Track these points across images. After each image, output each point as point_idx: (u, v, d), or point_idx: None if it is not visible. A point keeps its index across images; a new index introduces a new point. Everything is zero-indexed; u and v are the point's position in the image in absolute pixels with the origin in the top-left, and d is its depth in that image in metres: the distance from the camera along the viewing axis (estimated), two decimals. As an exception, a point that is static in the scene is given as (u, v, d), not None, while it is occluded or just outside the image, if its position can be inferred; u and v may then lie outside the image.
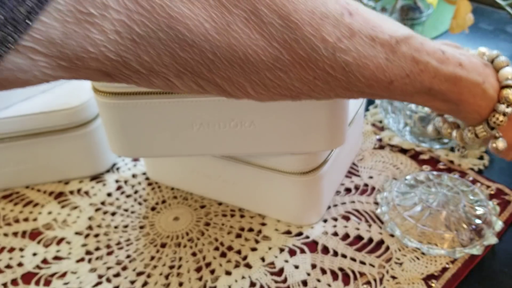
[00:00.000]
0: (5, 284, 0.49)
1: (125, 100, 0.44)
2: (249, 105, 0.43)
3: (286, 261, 0.49)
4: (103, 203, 0.58)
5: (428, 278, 0.47)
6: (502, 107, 0.38)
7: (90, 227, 0.55)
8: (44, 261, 0.52)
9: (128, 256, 0.51)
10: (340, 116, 0.44)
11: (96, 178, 0.61)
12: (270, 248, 0.51)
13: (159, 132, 0.46)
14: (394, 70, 0.33)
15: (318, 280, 0.47)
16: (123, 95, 0.43)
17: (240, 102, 0.43)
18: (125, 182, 0.61)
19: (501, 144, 0.40)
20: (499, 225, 0.50)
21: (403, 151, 0.61)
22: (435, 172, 0.55)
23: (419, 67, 0.35)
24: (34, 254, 0.52)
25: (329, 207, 0.54)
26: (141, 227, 0.55)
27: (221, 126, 0.45)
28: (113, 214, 0.56)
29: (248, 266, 0.49)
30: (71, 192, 0.60)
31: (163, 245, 0.52)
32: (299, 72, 0.32)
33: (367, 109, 0.68)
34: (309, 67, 0.31)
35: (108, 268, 0.50)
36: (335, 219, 0.53)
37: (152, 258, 0.51)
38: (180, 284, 0.48)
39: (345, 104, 0.44)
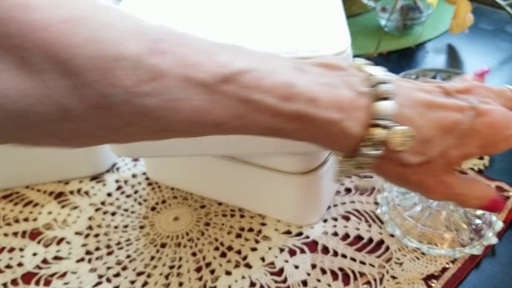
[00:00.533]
0: (5, 284, 0.49)
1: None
2: None
3: (286, 261, 0.49)
4: (103, 203, 0.58)
5: (428, 278, 0.47)
6: (366, 149, 0.33)
7: (90, 227, 0.55)
8: (44, 261, 0.52)
9: (128, 256, 0.51)
10: None
11: (96, 178, 0.61)
12: (270, 248, 0.51)
13: None
14: (219, 111, 0.29)
15: (318, 280, 0.47)
16: None
17: None
18: (125, 182, 0.61)
19: (362, 183, 0.36)
20: (499, 225, 0.50)
21: (403, 151, 0.61)
22: (435, 172, 0.55)
23: (250, 107, 0.30)
24: (34, 254, 0.52)
25: (329, 207, 0.54)
26: (141, 227, 0.55)
27: None
28: (113, 214, 0.56)
29: (248, 266, 0.49)
30: (71, 192, 0.60)
31: (163, 245, 0.52)
32: (99, 120, 0.28)
33: (367, 109, 0.68)
34: (107, 114, 0.27)
35: (108, 268, 0.50)
36: (335, 219, 0.53)
37: (152, 258, 0.51)
38: (180, 284, 0.48)
39: None
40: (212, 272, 0.49)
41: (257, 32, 0.43)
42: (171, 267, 0.50)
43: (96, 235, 0.54)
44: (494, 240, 0.49)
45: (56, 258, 0.52)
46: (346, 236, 0.51)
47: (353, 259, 0.49)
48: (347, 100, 0.33)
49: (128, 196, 0.59)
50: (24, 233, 0.55)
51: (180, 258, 0.51)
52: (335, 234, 0.52)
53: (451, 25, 0.78)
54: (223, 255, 0.51)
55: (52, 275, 0.50)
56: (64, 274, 0.50)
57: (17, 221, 0.57)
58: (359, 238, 0.51)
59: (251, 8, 0.47)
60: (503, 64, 0.76)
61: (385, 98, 0.33)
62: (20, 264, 0.52)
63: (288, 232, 0.52)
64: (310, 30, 0.43)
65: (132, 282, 0.49)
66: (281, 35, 0.43)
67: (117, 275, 0.50)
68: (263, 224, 0.53)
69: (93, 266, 0.51)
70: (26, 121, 0.27)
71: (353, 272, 0.48)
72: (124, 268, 0.50)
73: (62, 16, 0.26)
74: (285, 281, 0.48)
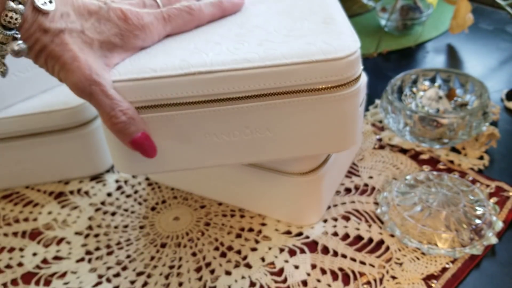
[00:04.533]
0: (5, 284, 0.50)
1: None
2: (263, 112, 0.42)
3: (286, 261, 0.49)
4: (103, 203, 0.58)
5: (428, 278, 0.47)
6: (11, 4, 0.36)
7: (90, 227, 0.55)
8: (44, 261, 0.52)
9: (128, 256, 0.51)
10: (352, 117, 0.44)
11: (96, 178, 0.61)
12: (270, 248, 0.51)
13: (169, 146, 0.43)
14: None
15: (318, 280, 0.47)
16: None
17: (254, 110, 0.42)
18: (125, 182, 0.61)
19: (18, 47, 0.38)
20: (499, 225, 0.50)
21: (403, 151, 0.61)
22: (435, 172, 0.55)
23: None
24: (34, 254, 0.52)
25: (329, 207, 0.54)
26: (141, 227, 0.55)
27: (235, 134, 0.43)
28: (113, 214, 0.57)
29: (248, 266, 0.49)
30: (71, 192, 0.60)
31: (163, 245, 0.52)
32: None
33: (367, 109, 0.68)
34: None
35: (108, 268, 0.50)
36: (335, 219, 0.53)
37: (152, 258, 0.51)
38: (180, 284, 0.48)
39: (357, 105, 0.43)
40: (212, 272, 0.49)
41: (269, 36, 0.43)
42: (171, 267, 0.50)
43: (96, 235, 0.54)
44: (494, 240, 0.49)
45: (56, 258, 0.52)
46: (346, 236, 0.51)
47: (353, 259, 0.49)
48: None
49: (128, 196, 0.59)
50: (24, 233, 0.55)
51: (180, 258, 0.51)
52: (335, 234, 0.52)
53: (451, 25, 0.78)
54: (223, 255, 0.51)
55: (52, 275, 0.50)
56: (64, 274, 0.50)
57: (17, 221, 0.57)
58: (359, 238, 0.51)
59: (261, 15, 0.47)
60: (503, 64, 0.76)
61: None
62: (20, 264, 0.52)
63: (288, 232, 0.52)
64: (320, 33, 0.42)
65: (132, 282, 0.49)
66: (293, 38, 0.42)
67: (117, 275, 0.50)
68: (263, 224, 0.53)
69: (93, 266, 0.51)
70: None
71: (353, 272, 0.48)
72: (124, 268, 0.50)
73: None
74: (285, 281, 0.48)
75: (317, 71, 0.40)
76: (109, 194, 0.59)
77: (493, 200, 0.53)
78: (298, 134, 0.43)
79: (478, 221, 0.49)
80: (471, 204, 0.51)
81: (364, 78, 0.56)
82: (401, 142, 0.62)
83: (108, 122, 0.40)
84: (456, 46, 0.81)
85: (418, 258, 0.48)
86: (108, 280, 0.49)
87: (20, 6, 0.36)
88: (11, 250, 0.53)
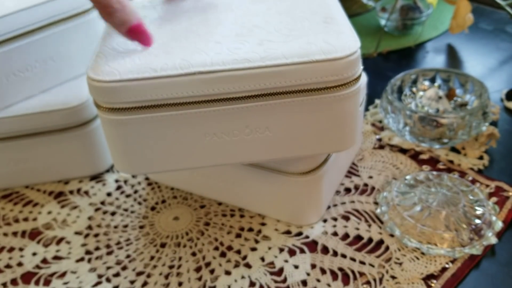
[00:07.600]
0: (4, 284, 0.50)
1: (131, 115, 0.41)
2: (263, 111, 0.42)
3: (286, 261, 0.49)
4: (102, 203, 0.58)
5: (427, 278, 0.47)
6: None
7: (89, 227, 0.55)
8: (44, 260, 0.52)
9: (127, 256, 0.51)
10: (352, 117, 0.44)
11: (96, 178, 0.61)
12: (269, 248, 0.51)
13: (169, 146, 0.43)
14: None
15: (318, 280, 0.47)
16: (127, 110, 0.41)
17: (254, 109, 0.42)
18: (125, 182, 0.61)
19: None
20: (498, 225, 0.50)
21: (403, 151, 0.61)
22: (434, 172, 0.55)
23: None
24: (34, 254, 0.53)
25: (328, 207, 0.54)
26: (141, 227, 0.55)
27: (234, 134, 0.43)
28: (113, 214, 0.57)
29: (247, 265, 0.49)
30: (71, 192, 0.60)
31: (163, 245, 0.52)
32: None
33: (367, 109, 0.68)
34: None
35: (108, 268, 0.50)
36: (335, 219, 0.53)
37: (152, 258, 0.51)
38: (180, 284, 0.48)
39: (357, 105, 0.43)
40: (212, 271, 0.49)
41: (269, 36, 0.43)
42: (171, 267, 0.50)
43: (96, 235, 0.54)
44: (493, 240, 0.49)
45: (56, 257, 0.52)
46: (346, 236, 0.51)
47: (353, 259, 0.49)
48: None
49: (127, 196, 0.59)
50: (23, 232, 0.55)
51: (180, 258, 0.51)
52: (335, 234, 0.52)
53: (451, 25, 0.78)
54: (223, 255, 0.51)
55: (52, 274, 0.50)
56: (63, 274, 0.50)
57: (16, 220, 0.57)
58: (358, 238, 0.51)
59: (261, 15, 0.47)
60: (503, 64, 0.76)
61: None
62: (19, 264, 0.52)
63: (288, 232, 0.52)
64: (320, 33, 0.42)
65: (132, 282, 0.49)
66: (293, 38, 0.42)
67: (116, 275, 0.50)
68: (263, 224, 0.53)
69: (93, 266, 0.51)
70: None
71: (352, 272, 0.48)
72: (124, 268, 0.50)
73: None
74: (284, 281, 0.48)
75: (317, 71, 0.40)
76: (108, 194, 0.59)
77: (493, 200, 0.53)
78: (298, 134, 0.43)
79: (477, 221, 0.49)
80: (471, 204, 0.51)
81: (364, 78, 0.56)
82: (401, 142, 0.62)
83: (107, 9, 0.40)
84: (456, 46, 0.81)
85: (417, 258, 0.48)
86: (108, 280, 0.49)
87: None
88: (11, 249, 0.53)
